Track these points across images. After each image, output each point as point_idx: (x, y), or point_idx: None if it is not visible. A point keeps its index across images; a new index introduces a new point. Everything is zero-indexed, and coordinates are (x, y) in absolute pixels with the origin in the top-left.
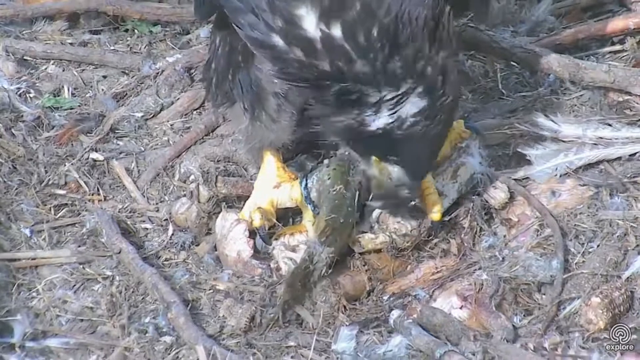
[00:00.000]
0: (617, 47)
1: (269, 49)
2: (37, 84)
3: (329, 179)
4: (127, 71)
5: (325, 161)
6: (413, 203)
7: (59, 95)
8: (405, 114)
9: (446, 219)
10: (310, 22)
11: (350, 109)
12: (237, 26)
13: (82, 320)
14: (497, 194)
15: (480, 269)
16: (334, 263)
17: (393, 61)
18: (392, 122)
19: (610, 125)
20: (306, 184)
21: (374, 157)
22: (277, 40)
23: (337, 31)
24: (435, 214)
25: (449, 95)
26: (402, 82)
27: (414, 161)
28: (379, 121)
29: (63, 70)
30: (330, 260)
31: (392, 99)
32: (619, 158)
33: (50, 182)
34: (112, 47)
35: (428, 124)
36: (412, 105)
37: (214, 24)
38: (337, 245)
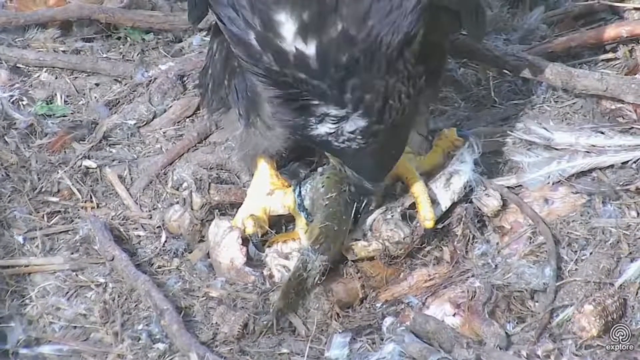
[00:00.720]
0: (610, 55)
1: (244, 46)
2: (29, 92)
3: (322, 187)
4: (119, 79)
5: (319, 169)
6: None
7: (51, 103)
8: (342, 130)
9: (439, 226)
10: (287, 31)
11: (299, 113)
12: (218, 19)
13: (75, 327)
14: (489, 202)
15: (473, 276)
16: (327, 271)
17: (347, 82)
18: (330, 133)
19: (602, 133)
20: (299, 192)
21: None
22: (253, 39)
23: (311, 50)
24: (428, 222)
25: (389, 120)
26: (346, 102)
27: (358, 170)
28: (320, 130)
29: (56, 78)
30: (324, 268)
31: (336, 115)
32: (612, 166)
33: (43, 190)
34: (104, 55)
35: (364, 142)
36: (351, 124)
37: (212, 30)
38: (331, 253)
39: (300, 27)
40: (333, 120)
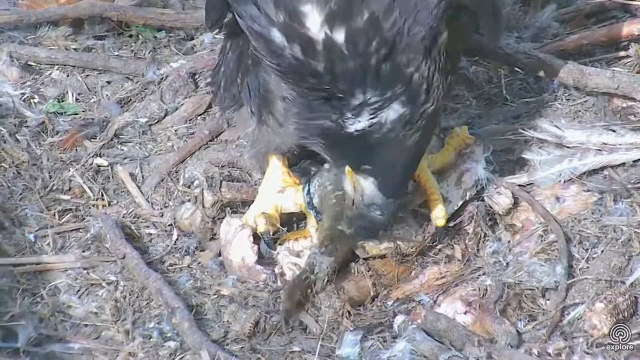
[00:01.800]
0: (622, 53)
1: (266, 42)
2: (41, 90)
3: (330, 184)
4: (131, 77)
5: (326, 165)
6: (384, 231)
7: (63, 101)
8: (385, 119)
9: (450, 224)
10: (313, 21)
11: (331, 112)
12: (238, 16)
13: (86, 325)
14: (501, 200)
15: (484, 274)
16: (336, 272)
17: (385, 64)
18: (370, 126)
19: (614, 131)
20: (309, 190)
21: (347, 169)
22: (276, 35)
23: (340, 36)
24: (440, 220)
25: (430, 108)
26: (388, 86)
27: (387, 171)
28: (358, 124)
29: (67, 76)
30: (332, 269)
31: (375, 102)
32: (623, 164)
33: (54, 188)
34: (116, 53)
35: (406, 132)
36: (393, 112)
37: (226, 28)
38: (339, 253)
39: (327, 16)
40: (372, 109)
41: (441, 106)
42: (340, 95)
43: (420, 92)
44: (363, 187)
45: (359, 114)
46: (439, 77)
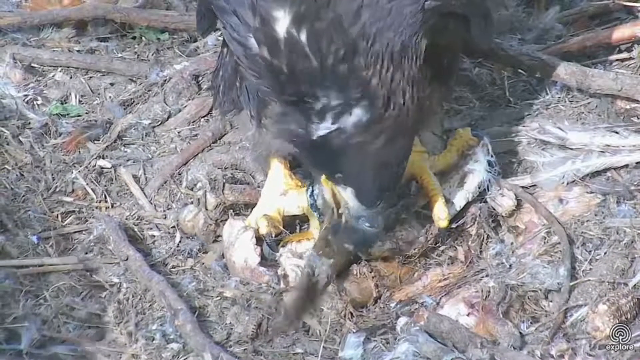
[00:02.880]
0: (625, 55)
1: (244, 49)
2: (44, 91)
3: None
4: (134, 78)
5: None
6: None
7: (66, 103)
8: (345, 124)
9: (453, 226)
10: (282, 24)
11: (301, 117)
12: (222, 26)
13: (89, 327)
14: (504, 202)
15: (487, 276)
16: (335, 274)
17: (342, 66)
18: (332, 131)
19: (617, 132)
20: (312, 192)
21: (323, 179)
22: (251, 41)
23: (303, 36)
24: (442, 221)
25: (394, 114)
26: (347, 90)
27: (358, 179)
28: (321, 130)
29: (70, 78)
30: (332, 271)
31: (337, 106)
32: (626, 166)
33: (57, 190)
34: (119, 55)
35: (366, 138)
36: (354, 117)
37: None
38: (337, 257)
39: (294, 18)
40: (334, 113)
41: (419, 114)
42: (307, 100)
43: (379, 97)
44: (345, 198)
45: (322, 119)
46: (406, 84)
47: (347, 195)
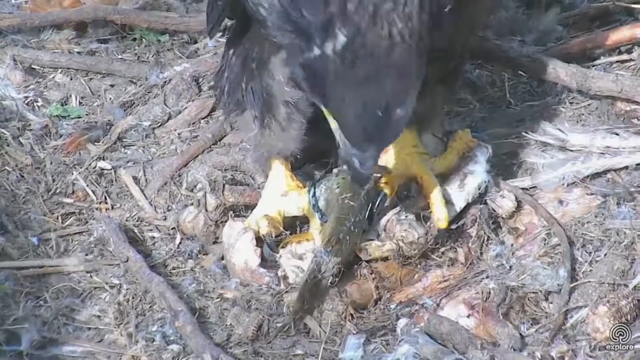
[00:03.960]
0: (625, 57)
1: (267, 6)
2: (44, 93)
3: (337, 187)
4: (134, 80)
5: (335, 170)
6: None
7: (66, 104)
8: (326, 49)
9: (453, 227)
10: None
11: (299, 46)
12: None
13: (89, 328)
14: (504, 203)
15: (487, 277)
16: (341, 272)
17: None
18: (317, 56)
19: (617, 134)
20: (314, 193)
21: (325, 110)
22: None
23: None
24: (442, 222)
25: (369, 48)
26: (330, 13)
27: (341, 115)
28: (310, 53)
29: (70, 79)
30: (338, 269)
31: (322, 30)
32: (626, 167)
33: (57, 191)
34: (119, 56)
35: (342, 67)
36: (334, 42)
37: (230, 34)
38: (344, 254)
39: None
40: (320, 37)
41: (418, 61)
42: (305, 28)
43: (354, 24)
44: (339, 133)
45: (313, 43)
46: (396, 18)
47: (339, 130)
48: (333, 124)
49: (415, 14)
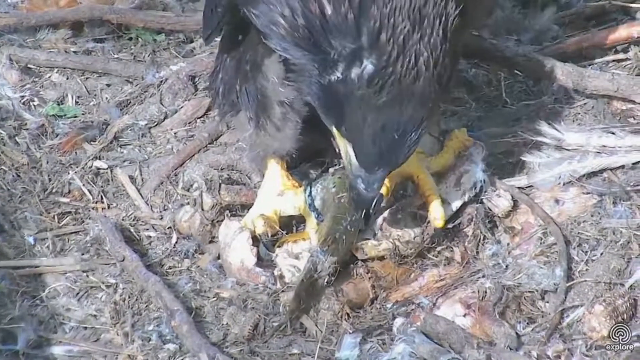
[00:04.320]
0: (621, 56)
1: (274, 27)
2: (40, 92)
3: (334, 187)
4: (131, 79)
5: (331, 170)
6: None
7: (62, 104)
8: (352, 74)
9: (449, 226)
10: None
11: (315, 66)
12: (252, 16)
13: (85, 328)
14: (500, 202)
15: (483, 276)
16: (337, 271)
17: (357, 13)
18: (340, 80)
19: (613, 133)
20: (310, 192)
21: (335, 131)
22: (278, 18)
23: None
24: (438, 221)
25: (402, 72)
26: (359, 39)
27: (358, 136)
28: (332, 76)
29: (67, 79)
30: (334, 268)
31: (348, 55)
32: (623, 166)
33: (53, 190)
34: (115, 56)
35: (368, 92)
36: (361, 68)
37: (223, 36)
38: (340, 254)
39: None
40: (346, 62)
41: (437, 88)
42: (323, 50)
43: (385, 52)
44: (350, 154)
45: (335, 66)
46: (423, 48)
47: (350, 151)
48: (343, 145)
49: (439, 43)
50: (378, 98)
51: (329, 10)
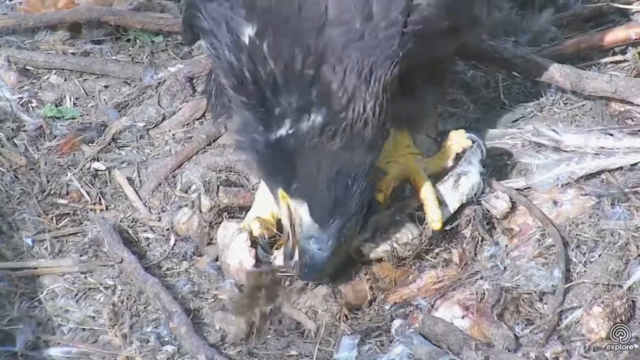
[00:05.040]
0: (619, 57)
1: (220, 62)
2: (39, 94)
3: None
4: (129, 81)
5: None
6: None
7: (60, 105)
8: (301, 127)
9: (447, 228)
10: (247, 35)
11: (259, 123)
12: (206, 43)
13: (84, 329)
14: (498, 204)
15: (482, 278)
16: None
17: (305, 70)
18: (289, 134)
19: (611, 135)
20: None
21: (280, 194)
22: (226, 55)
23: (264, 45)
24: (436, 223)
25: (352, 120)
26: (308, 93)
27: (312, 187)
28: (279, 132)
29: (65, 80)
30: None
31: (295, 109)
32: (621, 168)
33: (52, 192)
34: (113, 57)
35: (321, 140)
36: (311, 119)
37: None
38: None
39: (258, 30)
40: (293, 116)
41: (379, 134)
42: (269, 105)
43: (336, 100)
44: (300, 215)
45: (282, 123)
46: (369, 97)
47: (302, 210)
48: (291, 209)
49: (381, 93)
50: (332, 144)
51: (277, 69)
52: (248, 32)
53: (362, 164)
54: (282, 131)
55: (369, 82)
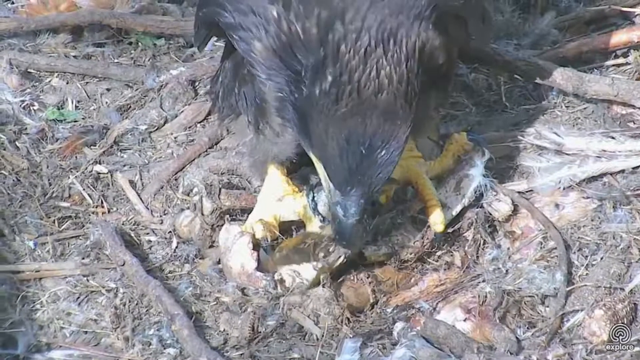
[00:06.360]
0: (621, 60)
1: (251, 51)
2: (41, 97)
3: None
4: (131, 84)
5: None
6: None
7: (62, 108)
8: (315, 88)
9: (449, 230)
10: (274, 13)
11: (289, 87)
12: (234, 41)
13: (86, 332)
14: (500, 207)
15: (484, 281)
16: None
17: (322, 30)
18: (306, 96)
19: (613, 138)
20: (313, 196)
21: (314, 158)
22: (256, 45)
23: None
24: (438, 226)
25: (357, 87)
26: (322, 54)
27: (326, 152)
28: (300, 93)
29: (67, 83)
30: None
31: (312, 70)
32: (623, 171)
33: (54, 195)
34: (116, 60)
35: (328, 102)
36: (323, 81)
37: (226, 41)
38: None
39: (284, 2)
40: (311, 78)
41: (402, 100)
42: (295, 69)
43: (344, 64)
44: (327, 178)
45: (302, 85)
46: (385, 63)
47: (326, 175)
48: (321, 171)
49: (404, 60)
50: (337, 108)
51: (297, 26)
52: (274, 13)
53: (378, 134)
54: (302, 93)
55: (387, 45)
